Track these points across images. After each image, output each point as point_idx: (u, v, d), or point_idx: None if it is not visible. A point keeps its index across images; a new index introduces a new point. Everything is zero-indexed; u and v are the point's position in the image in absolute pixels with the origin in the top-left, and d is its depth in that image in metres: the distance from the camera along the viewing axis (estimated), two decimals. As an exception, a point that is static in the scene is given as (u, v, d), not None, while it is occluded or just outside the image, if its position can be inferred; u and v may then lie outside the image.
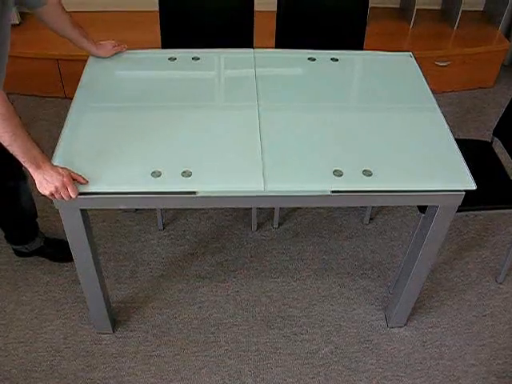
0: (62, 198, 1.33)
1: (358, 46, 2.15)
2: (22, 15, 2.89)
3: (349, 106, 1.68)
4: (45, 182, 1.32)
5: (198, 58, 1.84)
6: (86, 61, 1.82)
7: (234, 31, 2.09)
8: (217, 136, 1.52)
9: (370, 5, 2.12)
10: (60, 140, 1.49)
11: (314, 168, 1.44)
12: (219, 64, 1.83)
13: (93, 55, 1.81)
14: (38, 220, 2.01)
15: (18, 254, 2.09)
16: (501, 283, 2.11)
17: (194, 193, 1.38)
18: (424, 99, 1.72)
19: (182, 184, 1.37)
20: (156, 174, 1.39)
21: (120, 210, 2.31)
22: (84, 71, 1.76)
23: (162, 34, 2.08)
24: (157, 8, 2.04)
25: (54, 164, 1.37)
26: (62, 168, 1.34)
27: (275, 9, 2.09)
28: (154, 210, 2.26)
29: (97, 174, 1.39)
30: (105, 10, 3.00)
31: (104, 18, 2.97)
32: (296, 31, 2.12)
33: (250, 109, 1.62)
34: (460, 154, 1.51)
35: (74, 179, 1.34)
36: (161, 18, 2.06)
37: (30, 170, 1.33)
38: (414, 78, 1.80)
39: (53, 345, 1.84)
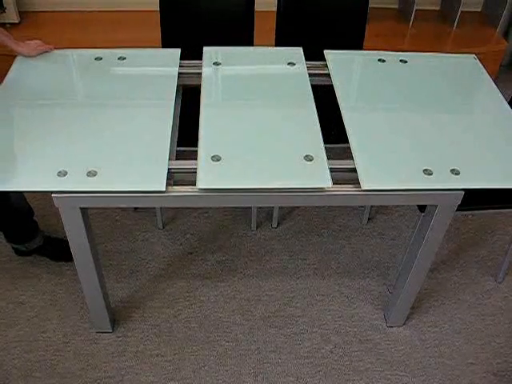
0: None
1: (358, 46, 2.15)
2: (21, 14, 2.89)
3: (423, 107, 1.71)
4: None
5: (124, 58, 1.84)
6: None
7: (235, 31, 2.10)
8: (127, 135, 1.52)
9: (369, 5, 2.13)
10: None
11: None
12: (144, 64, 1.82)
13: (17, 53, 1.81)
14: (37, 219, 2.01)
15: (18, 252, 2.09)
16: (500, 282, 2.12)
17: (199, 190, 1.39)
18: (494, 99, 1.76)
19: (86, 184, 1.37)
20: (62, 174, 1.39)
21: (119, 208, 2.31)
22: (10, 70, 1.76)
23: (162, 34, 2.09)
24: (157, 7, 2.05)
25: None
26: None
27: (275, 9, 2.09)
28: (154, 209, 2.26)
29: (2, 174, 1.38)
30: (106, 9, 3.00)
31: (105, 17, 2.97)
32: (296, 31, 2.13)
33: (163, 107, 1.62)
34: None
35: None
36: (161, 18, 2.06)
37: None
38: (481, 79, 1.85)
39: (52, 344, 1.84)
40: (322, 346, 1.88)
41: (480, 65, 1.93)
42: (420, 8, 3.04)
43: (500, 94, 1.78)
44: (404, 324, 1.95)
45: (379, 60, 1.91)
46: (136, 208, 2.32)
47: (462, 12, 2.98)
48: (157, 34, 2.08)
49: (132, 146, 1.49)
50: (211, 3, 2.09)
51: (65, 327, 1.89)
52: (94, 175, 1.39)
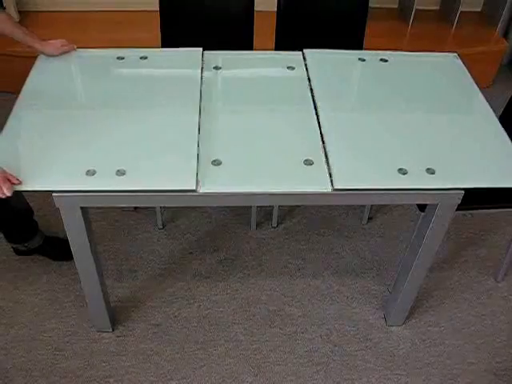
0: None
1: (358, 46, 2.16)
2: (21, 13, 2.90)
3: (404, 106, 1.70)
4: None
5: (146, 57, 1.84)
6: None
7: (235, 31, 2.10)
8: (155, 135, 1.52)
9: (369, 5, 2.13)
10: None
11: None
12: (166, 63, 1.83)
13: (40, 53, 1.80)
14: (37, 218, 2.01)
15: (18, 252, 2.09)
16: (499, 282, 2.12)
17: (193, 190, 1.39)
18: (474, 98, 1.76)
19: (115, 183, 1.37)
20: (91, 173, 1.39)
21: (119, 208, 2.31)
22: (32, 69, 1.76)
23: (161, 34, 2.09)
24: (157, 7, 2.05)
25: None
26: None
27: (275, 9, 2.09)
28: (154, 208, 2.26)
29: (32, 173, 1.38)
30: (106, 9, 3.01)
31: (105, 17, 2.98)
32: (296, 31, 2.13)
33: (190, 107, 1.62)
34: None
35: (8, 179, 1.33)
36: (161, 18, 2.06)
37: None
38: (461, 78, 1.84)
39: (52, 343, 1.84)
40: (322, 346, 1.88)
41: (461, 63, 1.90)
42: (420, 8, 3.04)
43: (480, 93, 1.76)
44: (404, 323, 1.95)
45: (359, 59, 1.90)
46: (136, 208, 2.32)
47: (461, 12, 2.98)
48: (157, 34, 2.08)
49: (159, 146, 1.49)
50: (211, 3, 2.09)
51: (65, 326, 1.89)
52: (123, 174, 1.39)
